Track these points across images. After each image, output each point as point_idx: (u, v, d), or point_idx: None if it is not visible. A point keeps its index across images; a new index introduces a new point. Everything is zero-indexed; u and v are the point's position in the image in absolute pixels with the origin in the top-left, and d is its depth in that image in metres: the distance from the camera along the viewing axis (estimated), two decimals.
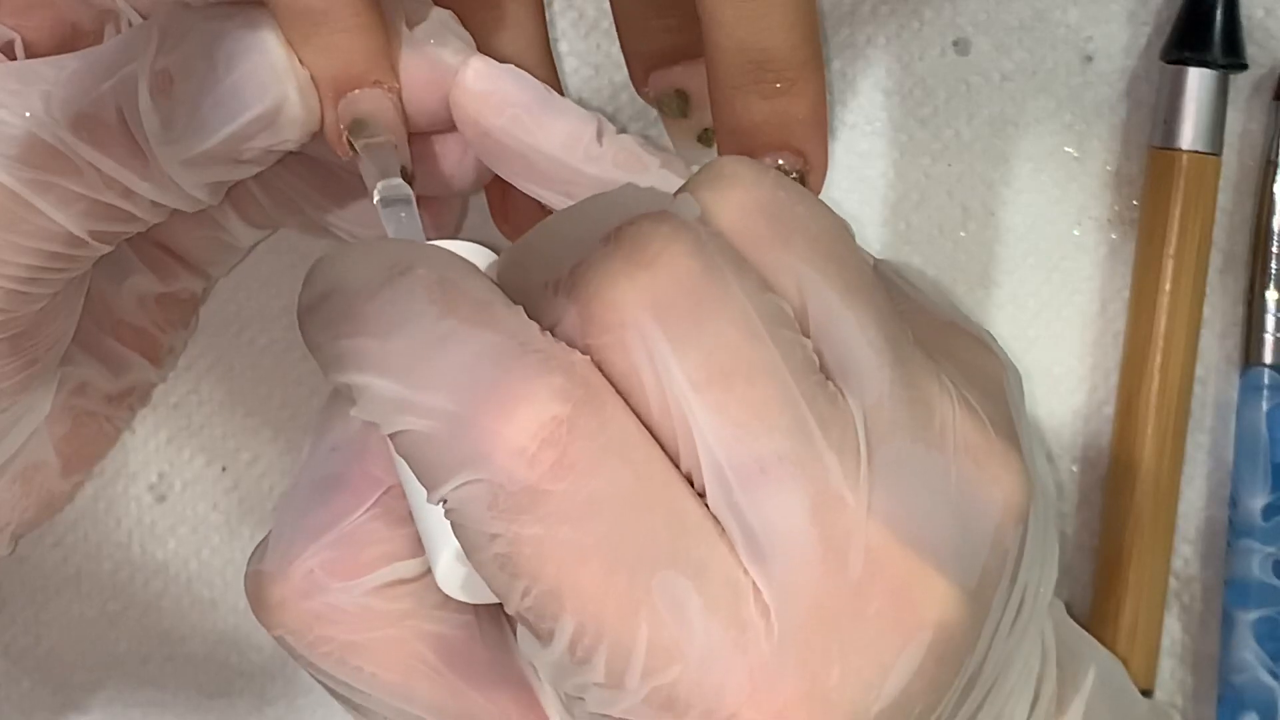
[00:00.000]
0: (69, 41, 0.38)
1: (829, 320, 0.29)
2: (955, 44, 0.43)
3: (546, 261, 0.30)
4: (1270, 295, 0.42)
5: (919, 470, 0.29)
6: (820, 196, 0.42)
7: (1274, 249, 0.42)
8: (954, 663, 0.29)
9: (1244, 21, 0.41)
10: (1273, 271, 0.42)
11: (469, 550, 0.28)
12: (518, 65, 0.36)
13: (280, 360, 0.45)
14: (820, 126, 0.35)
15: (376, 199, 0.34)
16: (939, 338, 0.32)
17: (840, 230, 0.31)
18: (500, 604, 0.29)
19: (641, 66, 0.40)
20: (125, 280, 0.42)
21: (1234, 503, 0.42)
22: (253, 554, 0.32)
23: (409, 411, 0.28)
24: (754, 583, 0.28)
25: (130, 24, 0.38)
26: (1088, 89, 0.43)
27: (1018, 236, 0.43)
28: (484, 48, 0.36)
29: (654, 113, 0.41)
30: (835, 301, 0.29)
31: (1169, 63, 0.42)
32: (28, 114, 0.34)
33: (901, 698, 0.28)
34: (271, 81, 0.34)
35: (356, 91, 0.34)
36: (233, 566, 0.45)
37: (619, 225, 0.29)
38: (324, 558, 0.31)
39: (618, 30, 0.40)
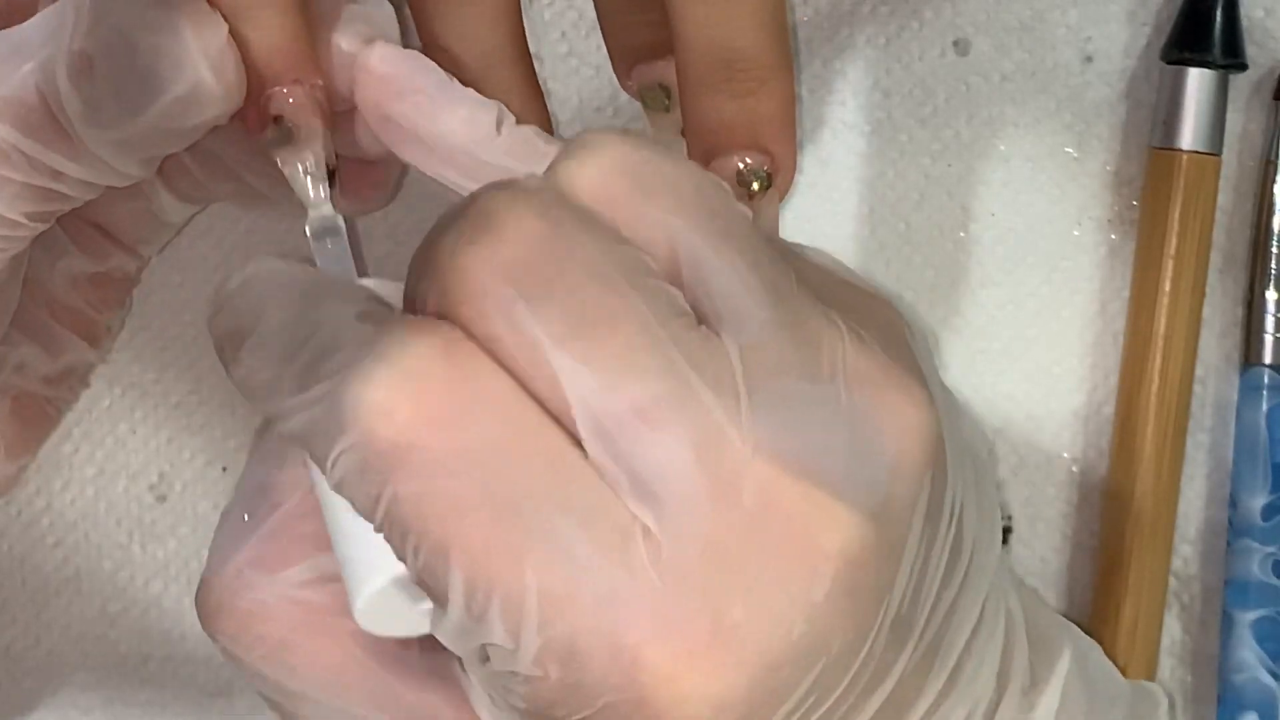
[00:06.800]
0: (2, 19, 0.37)
1: (701, 266, 0.29)
2: (955, 44, 0.43)
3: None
4: (1270, 295, 0.42)
5: (804, 404, 0.28)
6: (819, 197, 0.43)
7: (1274, 249, 0.42)
8: (870, 594, 0.29)
9: (1244, 21, 0.41)
10: (1273, 271, 0.42)
11: (366, 519, 0.29)
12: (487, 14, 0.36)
13: None
14: (789, 127, 0.35)
15: (307, 230, 0.35)
16: (833, 290, 0.31)
17: (713, 185, 0.30)
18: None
19: (625, 61, 0.40)
20: (59, 260, 0.41)
21: (1234, 503, 0.42)
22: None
23: (301, 410, 0.29)
24: (643, 526, 0.28)
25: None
26: (1088, 89, 0.43)
27: (1018, 236, 0.43)
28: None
29: None
30: (706, 247, 0.29)
31: (1169, 63, 0.42)
32: None
33: (813, 630, 0.28)
34: (184, 61, 0.34)
35: (273, 90, 0.35)
36: None
37: (464, 201, 0.29)
38: (251, 555, 0.32)
39: (601, 25, 0.40)
